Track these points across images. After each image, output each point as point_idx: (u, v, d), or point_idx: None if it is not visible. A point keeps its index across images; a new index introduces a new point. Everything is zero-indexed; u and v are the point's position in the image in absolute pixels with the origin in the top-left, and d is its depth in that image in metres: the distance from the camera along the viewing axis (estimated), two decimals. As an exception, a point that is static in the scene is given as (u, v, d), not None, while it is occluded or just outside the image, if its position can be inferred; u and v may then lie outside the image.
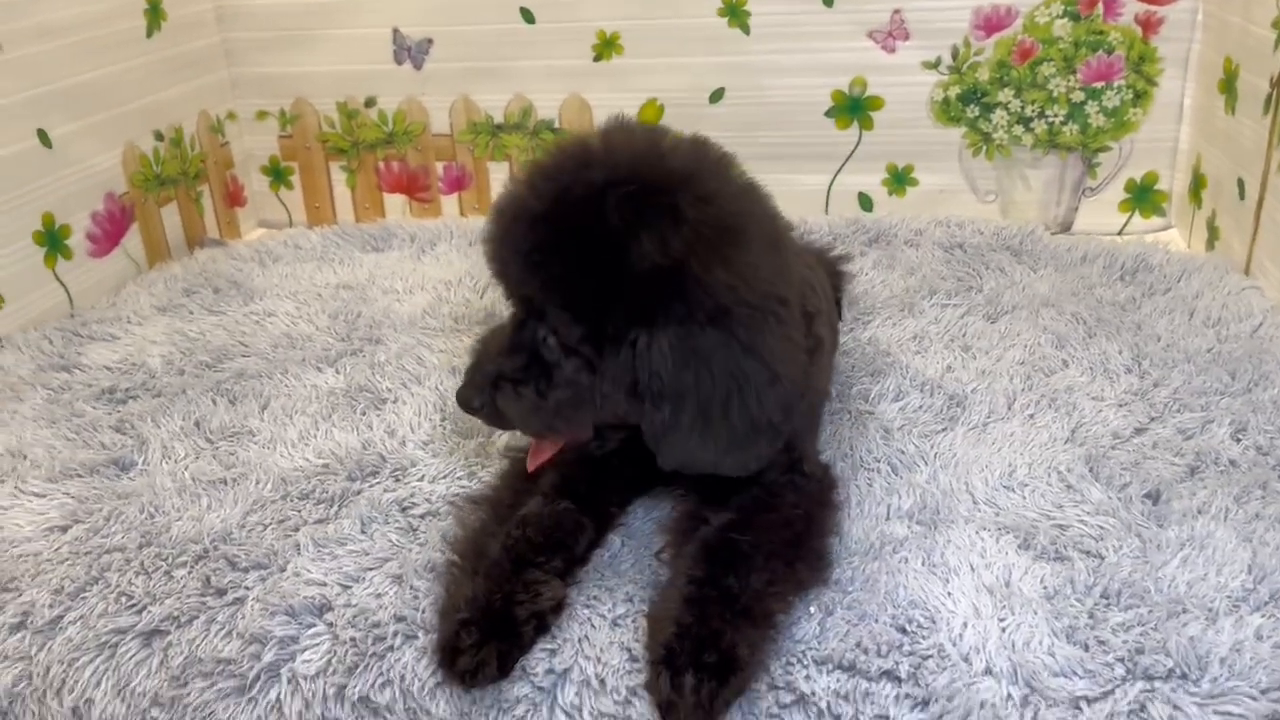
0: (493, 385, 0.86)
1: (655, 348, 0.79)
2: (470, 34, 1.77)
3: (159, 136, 1.68)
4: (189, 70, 1.75)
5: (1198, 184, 1.58)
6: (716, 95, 1.73)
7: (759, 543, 0.82)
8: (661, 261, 0.78)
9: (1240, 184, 1.41)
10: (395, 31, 1.79)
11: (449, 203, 1.91)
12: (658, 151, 0.85)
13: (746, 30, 1.68)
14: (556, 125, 1.80)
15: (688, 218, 0.80)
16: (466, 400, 0.88)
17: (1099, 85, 1.63)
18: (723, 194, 0.83)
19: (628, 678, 0.78)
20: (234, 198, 1.91)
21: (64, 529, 0.97)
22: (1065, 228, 1.72)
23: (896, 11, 1.64)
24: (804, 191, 1.74)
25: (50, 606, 0.88)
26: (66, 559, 0.93)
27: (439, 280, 1.54)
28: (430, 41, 1.79)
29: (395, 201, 1.92)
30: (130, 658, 0.84)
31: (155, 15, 1.66)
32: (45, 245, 1.45)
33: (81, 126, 1.51)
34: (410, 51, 1.80)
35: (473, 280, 1.52)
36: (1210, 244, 1.52)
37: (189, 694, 0.82)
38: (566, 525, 0.88)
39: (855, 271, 1.46)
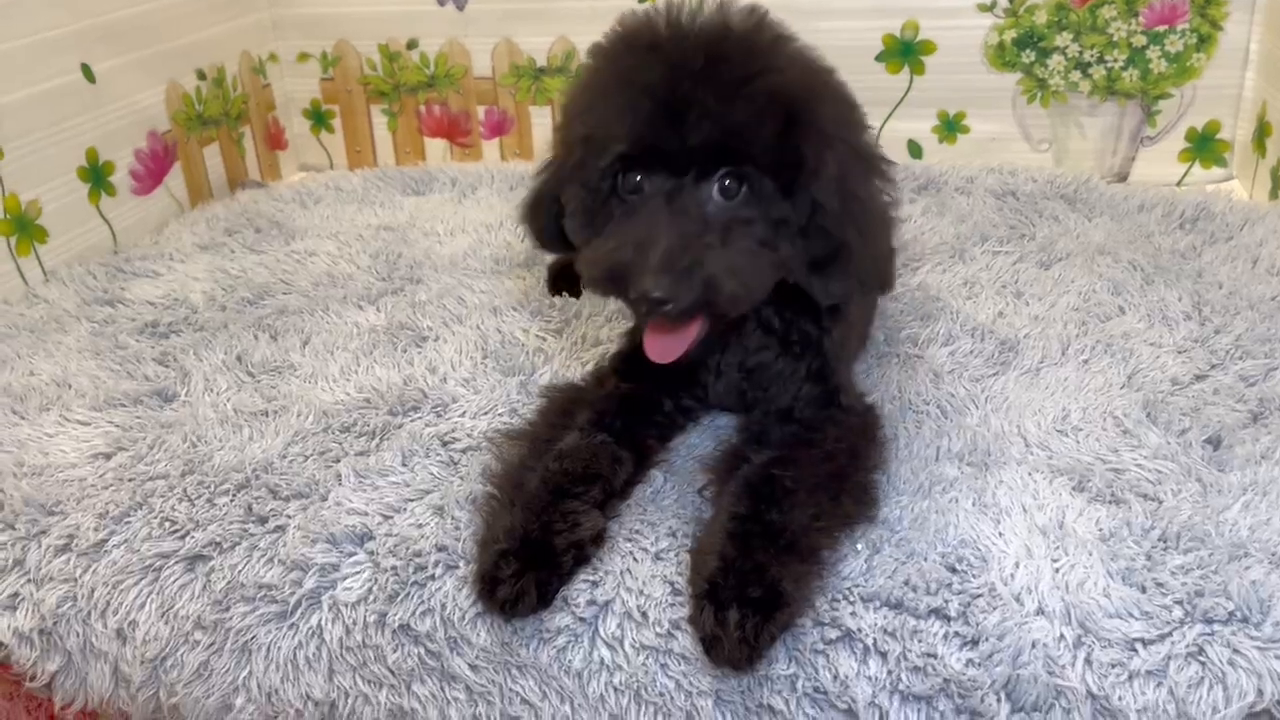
0: (687, 255, 0.75)
1: (828, 162, 0.80)
2: (513, -26, 1.74)
3: (201, 75, 1.67)
4: (231, 9, 1.74)
5: (1263, 132, 1.53)
6: (763, 38, 1.68)
7: (802, 478, 0.81)
8: (812, 71, 0.83)
9: (1309, 130, 1.36)
10: (438, -29, 1.77)
11: (490, 148, 1.89)
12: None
13: (796, -30, 1.64)
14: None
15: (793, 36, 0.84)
16: (665, 288, 0.73)
17: (1162, 29, 1.57)
18: None
19: (670, 611, 0.77)
20: (275, 140, 1.90)
21: (108, 456, 0.98)
22: (1121, 178, 1.67)
23: (952, -49, 1.60)
24: (852, 138, 1.70)
25: (95, 530, 0.88)
26: (111, 485, 0.93)
27: (480, 223, 1.52)
28: (473, -18, 1.77)
29: (436, 146, 1.91)
30: (174, 581, 0.84)
31: (198, -49, 1.65)
32: (89, 181, 1.45)
33: (124, 62, 1.50)
34: (453, -8, 1.78)
35: (513, 224, 1.50)
36: (1274, 193, 1.47)
37: (231, 618, 0.82)
38: (604, 457, 0.87)
39: (904, 218, 1.43)
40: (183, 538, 0.87)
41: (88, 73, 1.43)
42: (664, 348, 0.82)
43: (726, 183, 0.79)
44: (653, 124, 0.78)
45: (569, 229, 0.87)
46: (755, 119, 0.78)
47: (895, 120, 1.70)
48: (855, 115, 0.86)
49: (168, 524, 0.88)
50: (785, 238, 0.81)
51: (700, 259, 0.75)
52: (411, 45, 1.83)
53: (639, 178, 0.80)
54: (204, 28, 1.67)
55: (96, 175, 1.46)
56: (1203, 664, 0.69)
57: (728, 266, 0.76)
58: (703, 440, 0.96)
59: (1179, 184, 1.65)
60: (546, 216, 0.92)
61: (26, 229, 1.35)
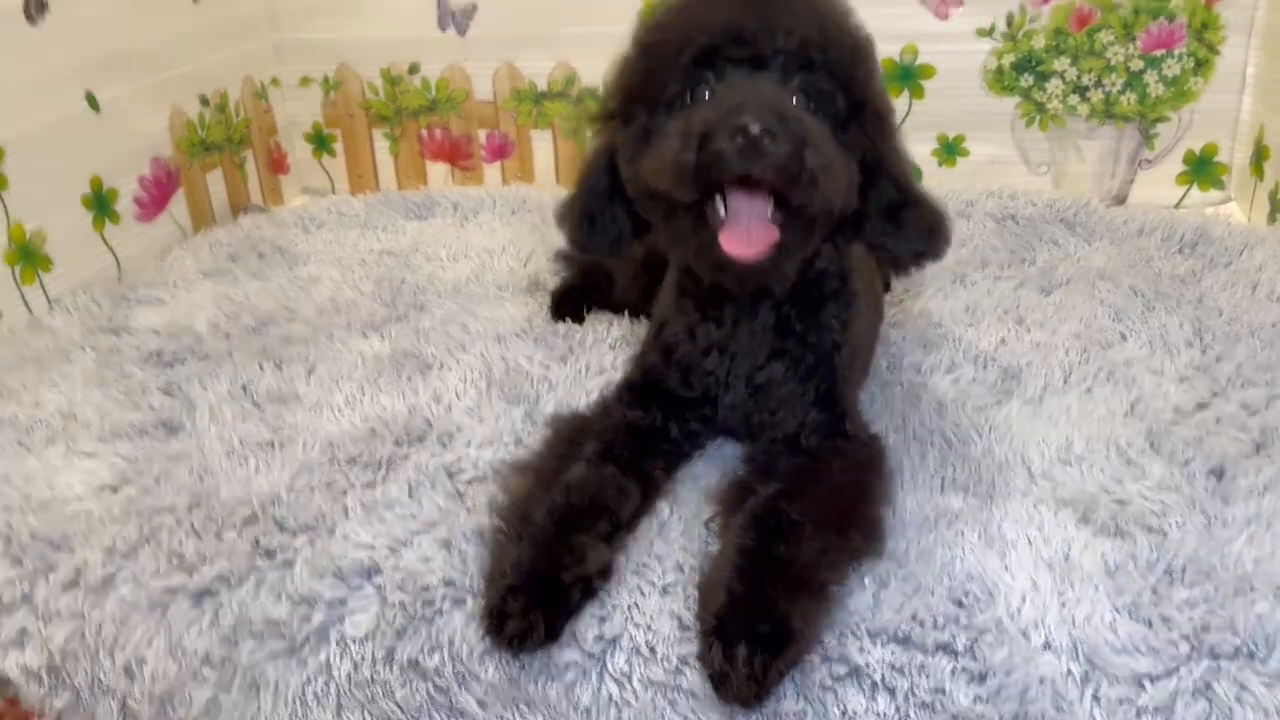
0: (784, 111, 0.75)
1: (886, 108, 0.85)
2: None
3: (204, 101, 1.68)
4: (234, 35, 1.75)
5: (1260, 155, 1.54)
6: (764, 62, 1.69)
7: (809, 512, 0.81)
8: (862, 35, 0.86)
9: (1307, 155, 1.37)
10: (439, -3, 1.78)
11: (491, 171, 1.90)
12: None
13: (795, -4, 1.65)
14: (601, 93, 1.78)
15: None
16: (767, 121, 0.72)
17: (1159, 53, 1.59)
18: None
19: (678, 646, 0.77)
20: (277, 164, 1.91)
21: (115, 489, 0.98)
22: (1119, 201, 1.68)
23: (950, -24, 1.61)
24: (851, 161, 1.71)
25: (103, 565, 0.88)
26: (118, 519, 0.93)
27: (482, 248, 1.53)
28: (475, 7, 1.77)
29: (438, 170, 1.91)
30: (181, 617, 0.84)
31: (201, -21, 1.66)
32: (93, 209, 1.45)
33: (128, 90, 1.51)
34: (454, 17, 1.79)
35: (516, 249, 1.51)
36: (1272, 217, 1.48)
37: (239, 654, 0.82)
38: (611, 490, 0.87)
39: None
40: (190, 572, 0.87)
41: (92, 101, 1.44)
42: (746, 237, 0.79)
43: (795, 99, 0.80)
44: (741, 11, 0.80)
45: (622, 158, 0.87)
46: (836, 24, 0.82)
47: (895, 144, 1.71)
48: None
49: (175, 558, 0.88)
50: (852, 150, 0.83)
51: (798, 118, 0.76)
52: (413, 70, 1.84)
53: (708, 93, 0.80)
54: (207, 54, 1.68)
55: (101, 203, 1.46)
56: (1210, 700, 0.70)
57: (821, 143, 0.77)
58: (709, 471, 0.96)
59: (1177, 206, 1.66)
60: (591, 196, 0.92)
61: (31, 258, 1.35)
